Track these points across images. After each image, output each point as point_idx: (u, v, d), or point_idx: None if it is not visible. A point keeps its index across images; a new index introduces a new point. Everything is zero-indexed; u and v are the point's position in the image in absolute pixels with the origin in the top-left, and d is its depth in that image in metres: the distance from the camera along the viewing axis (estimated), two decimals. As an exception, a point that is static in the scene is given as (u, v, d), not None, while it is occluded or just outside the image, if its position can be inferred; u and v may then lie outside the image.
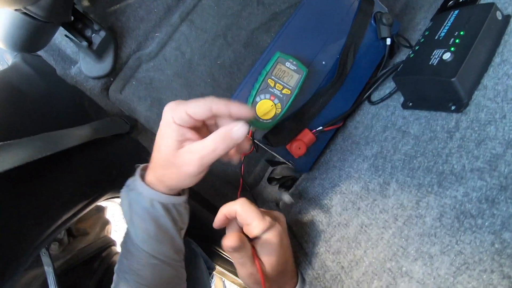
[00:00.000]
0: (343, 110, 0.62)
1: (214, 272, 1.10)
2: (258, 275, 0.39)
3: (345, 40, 0.60)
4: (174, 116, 0.36)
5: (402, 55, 0.61)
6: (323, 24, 0.59)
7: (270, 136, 0.57)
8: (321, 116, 0.60)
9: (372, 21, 0.62)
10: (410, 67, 0.48)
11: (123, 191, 0.44)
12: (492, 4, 0.41)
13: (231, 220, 0.42)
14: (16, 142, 0.42)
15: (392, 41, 0.61)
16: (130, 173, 0.45)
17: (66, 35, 0.57)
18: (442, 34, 0.46)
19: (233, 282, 1.20)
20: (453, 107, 0.40)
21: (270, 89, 0.53)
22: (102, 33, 0.59)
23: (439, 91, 0.42)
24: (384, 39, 0.61)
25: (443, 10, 0.50)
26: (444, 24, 0.47)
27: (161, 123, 0.38)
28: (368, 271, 0.37)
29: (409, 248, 0.34)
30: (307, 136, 0.59)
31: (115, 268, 0.46)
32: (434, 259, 0.30)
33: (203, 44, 0.67)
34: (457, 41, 0.42)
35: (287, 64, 0.53)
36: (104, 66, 0.64)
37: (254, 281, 0.40)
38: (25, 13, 0.45)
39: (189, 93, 0.67)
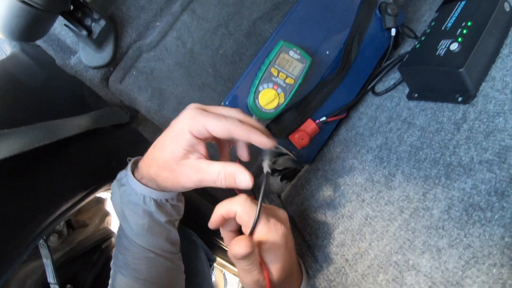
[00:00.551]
0: (347, 100, 0.61)
1: (214, 264, 1.10)
2: (264, 283, 0.36)
3: (349, 30, 0.59)
4: (192, 126, 0.35)
5: (407, 46, 0.60)
6: (327, 14, 0.58)
7: (273, 126, 0.56)
8: (324, 106, 0.59)
9: (377, 11, 0.61)
10: (416, 58, 0.48)
11: (114, 185, 0.43)
12: (500, -5, 0.40)
13: (228, 219, 0.39)
14: (13, 131, 0.42)
15: (397, 32, 0.60)
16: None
17: (65, 25, 0.56)
18: (449, 25, 0.45)
19: (233, 274, 1.20)
20: (460, 99, 0.40)
21: (273, 78, 0.52)
22: (102, 22, 0.58)
23: (446, 82, 0.42)
24: (389, 29, 0.60)
25: (448, 1, 0.49)
26: (451, 15, 0.46)
27: (176, 125, 0.37)
28: (374, 264, 0.37)
29: (416, 241, 0.33)
30: (310, 126, 0.58)
31: (111, 263, 0.45)
32: (442, 252, 0.30)
33: (204, 34, 0.66)
34: (464, 31, 0.42)
35: (291, 53, 0.52)
36: (104, 55, 0.62)
37: None
38: (23, 2, 0.44)
39: (190, 83, 0.66)
